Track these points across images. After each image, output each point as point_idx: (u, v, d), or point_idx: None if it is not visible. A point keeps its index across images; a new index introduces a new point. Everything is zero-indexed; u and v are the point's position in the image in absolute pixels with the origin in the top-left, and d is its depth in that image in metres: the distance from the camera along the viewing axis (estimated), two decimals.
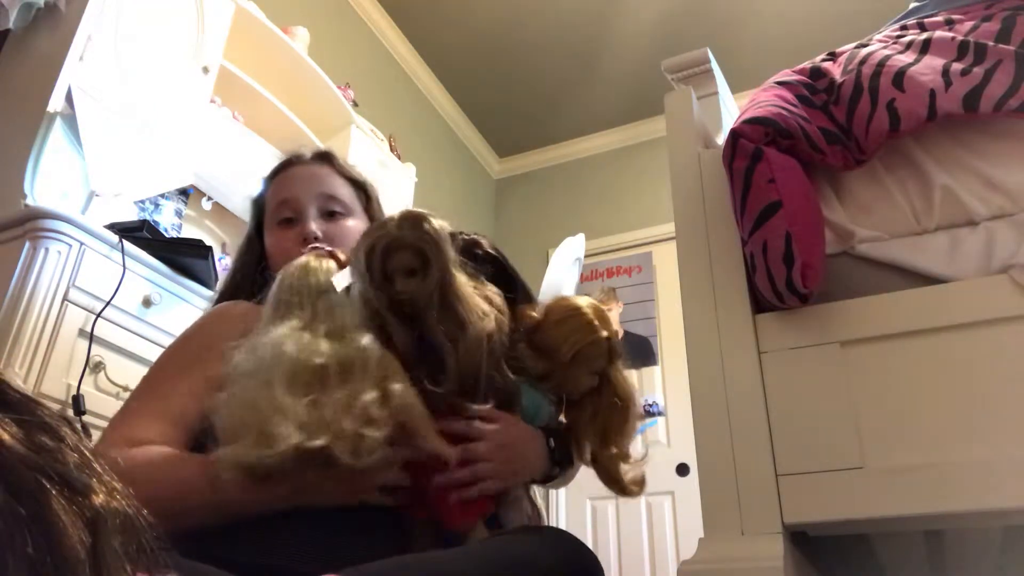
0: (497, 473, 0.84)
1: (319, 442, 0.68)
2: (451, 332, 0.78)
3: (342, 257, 0.86)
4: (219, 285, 1.14)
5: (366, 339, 0.76)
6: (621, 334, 4.19)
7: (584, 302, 0.93)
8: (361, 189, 1.10)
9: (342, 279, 0.82)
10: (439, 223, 0.81)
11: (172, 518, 0.60)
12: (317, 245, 0.96)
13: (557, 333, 0.90)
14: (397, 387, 0.74)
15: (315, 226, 1.01)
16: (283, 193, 1.05)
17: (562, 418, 0.98)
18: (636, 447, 0.94)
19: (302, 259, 0.83)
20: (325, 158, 1.10)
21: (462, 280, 0.81)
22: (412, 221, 0.79)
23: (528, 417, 0.91)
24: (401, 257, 0.79)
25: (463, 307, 0.79)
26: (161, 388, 0.86)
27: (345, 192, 1.07)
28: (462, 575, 0.68)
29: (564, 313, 0.91)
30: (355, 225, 1.05)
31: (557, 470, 0.95)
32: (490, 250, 0.99)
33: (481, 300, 0.82)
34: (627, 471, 0.93)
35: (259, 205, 1.10)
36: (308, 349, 0.73)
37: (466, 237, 1.03)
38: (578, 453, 0.95)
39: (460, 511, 0.82)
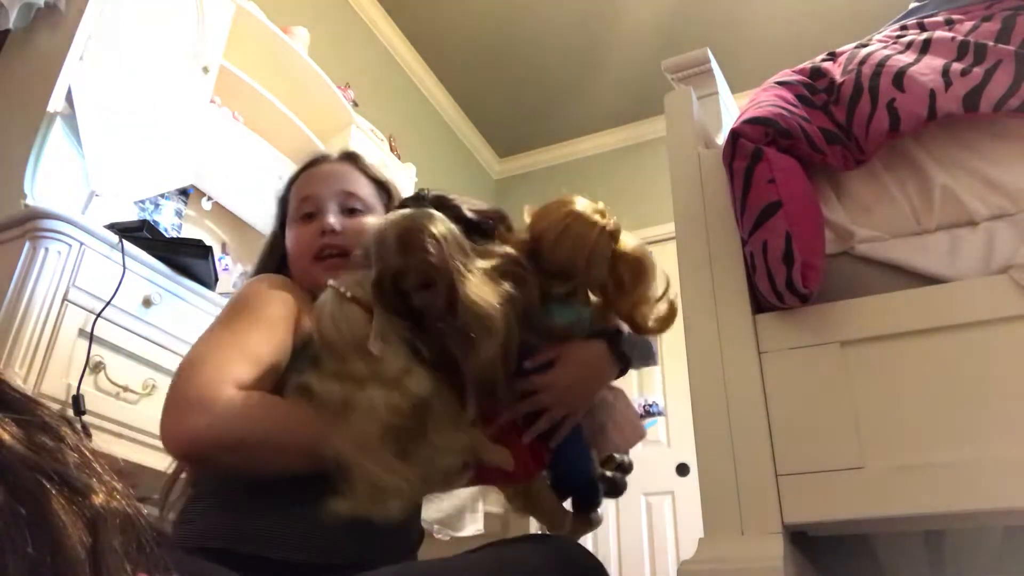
0: (569, 409, 0.91)
1: (421, 495, 0.75)
2: (463, 348, 0.79)
3: (352, 280, 0.86)
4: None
5: (415, 381, 0.78)
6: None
7: (565, 205, 0.93)
8: (384, 188, 1.13)
9: None
10: (434, 229, 0.80)
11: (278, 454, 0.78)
12: (332, 283, 0.93)
13: (563, 251, 0.90)
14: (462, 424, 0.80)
15: (334, 220, 1.03)
16: (305, 190, 1.07)
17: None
18: (655, 287, 0.97)
19: (326, 309, 0.83)
20: (350, 157, 1.13)
21: (469, 287, 0.80)
22: (409, 244, 0.80)
23: (575, 332, 0.94)
24: (410, 281, 0.80)
25: (469, 322, 0.78)
26: (237, 336, 0.88)
27: (367, 191, 1.09)
28: None
29: (558, 228, 0.91)
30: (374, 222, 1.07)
31: (627, 366, 1.00)
32: (457, 203, 0.99)
33: (496, 305, 0.81)
34: (646, 312, 0.96)
35: (283, 204, 1.12)
36: (395, 409, 0.76)
37: (433, 195, 1.03)
38: (614, 323, 0.99)
39: (528, 457, 0.87)
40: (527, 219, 0.96)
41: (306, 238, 1.04)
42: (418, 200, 0.99)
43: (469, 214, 0.94)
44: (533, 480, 0.91)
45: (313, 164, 1.12)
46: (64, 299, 1.47)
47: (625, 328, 1.00)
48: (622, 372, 1.00)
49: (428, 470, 0.76)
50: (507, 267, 0.86)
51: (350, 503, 0.72)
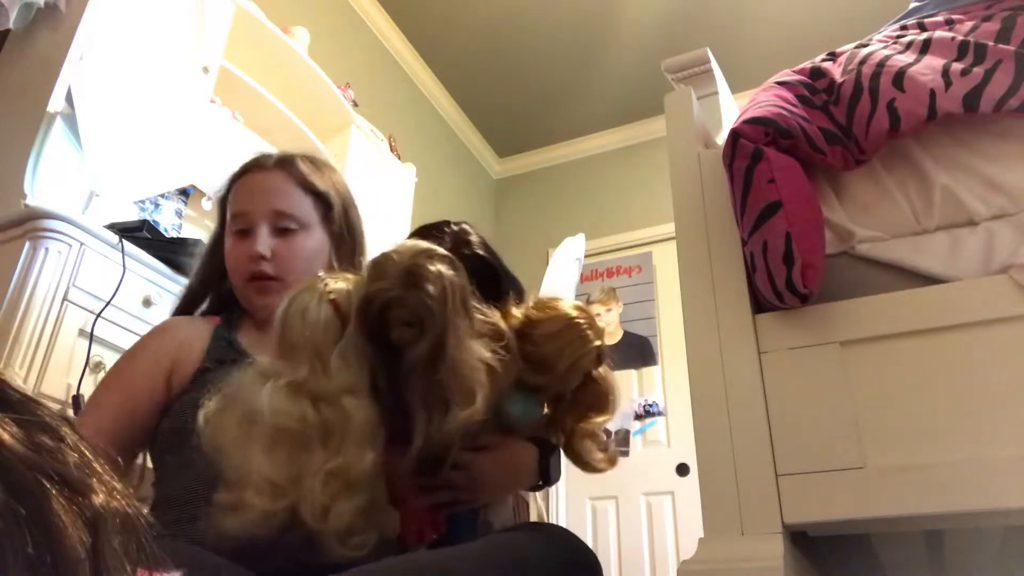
0: (476, 498, 0.87)
1: (283, 503, 0.68)
2: (433, 406, 0.75)
3: (338, 291, 0.82)
4: (180, 295, 1.17)
5: (353, 403, 0.74)
6: (621, 334, 4.13)
7: (572, 309, 0.92)
8: (321, 199, 1.08)
9: None
10: (440, 273, 0.76)
11: None
12: (321, 274, 0.93)
13: (552, 348, 0.89)
14: (368, 457, 0.73)
15: (264, 246, 1.02)
16: (238, 205, 1.06)
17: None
18: (607, 440, 0.96)
19: (301, 300, 0.80)
20: (284, 165, 1.07)
21: (461, 346, 0.76)
22: (414, 278, 0.75)
23: (520, 427, 0.92)
24: (399, 312, 0.76)
25: (453, 384, 0.74)
26: (97, 396, 0.97)
27: (301, 205, 1.06)
28: (459, 573, 0.68)
29: (556, 325, 0.89)
30: (307, 242, 1.05)
31: (545, 484, 0.97)
32: (479, 250, 0.98)
33: (479, 376, 0.77)
34: (592, 448, 0.93)
35: (222, 206, 1.11)
36: (289, 413, 0.72)
37: (455, 229, 1.01)
38: (555, 436, 0.97)
39: (425, 523, 0.83)
40: (534, 304, 0.94)
41: (239, 259, 1.04)
42: (439, 231, 0.97)
43: (485, 259, 0.92)
44: (422, 545, 0.84)
45: (248, 171, 1.09)
46: (64, 299, 1.47)
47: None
48: (536, 488, 0.98)
49: (307, 487, 0.69)
50: (496, 340, 0.82)
51: (214, 519, 0.68)
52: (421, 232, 1.03)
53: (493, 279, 0.95)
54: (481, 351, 0.78)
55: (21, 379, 1.37)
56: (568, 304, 0.93)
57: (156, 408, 0.96)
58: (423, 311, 0.74)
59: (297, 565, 0.74)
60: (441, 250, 0.79)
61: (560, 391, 0.93)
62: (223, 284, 1.10)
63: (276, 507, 0.68)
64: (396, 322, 0.76)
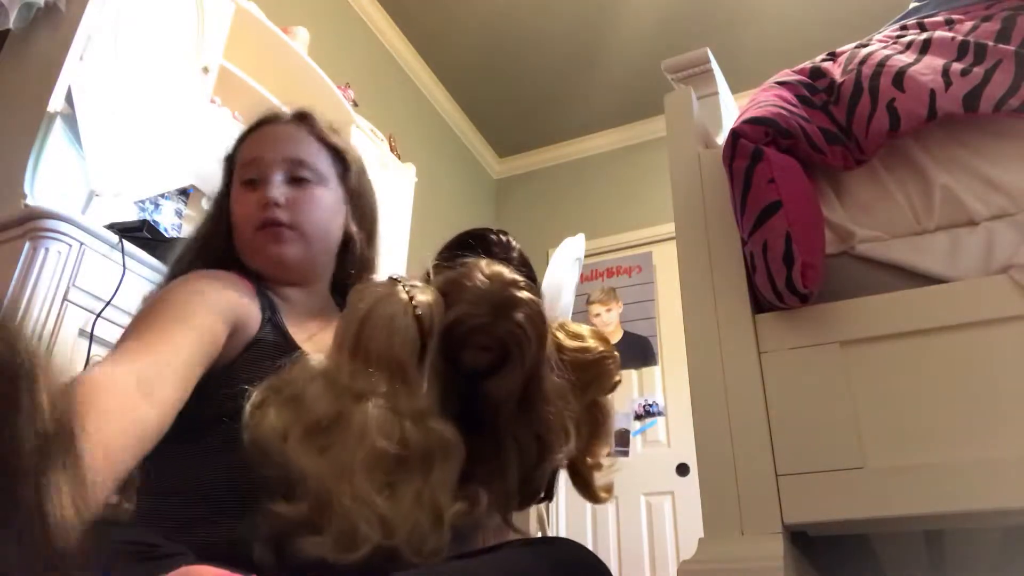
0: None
1: (393, 542, 0.64)
2: (523, 443, 0.72)
3: (421, 305, 0.76)
4: (177, 251, 1.01)
5: (443, 426, 0.70)
6: (621, 334, 4.12)
7: (599, 342, 0.89)
8: (339, 156, 1.01)
9: None
10: (534, 303, 0.72)
11: None
12: (398, 278, 0.83)
13: (579, 378, 0.85)
14: (483, 497, 0.70)
15: (278, 192, 0.93)
16: (251, 152, 0.97)
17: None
18: (608, 458, 0.94)
19: (386, 309, 0.73)
20: (303, 119, 1.00)
21: (551, 380, 0.73)
22: (507, 309, 0.71)
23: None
24: (481, 338, 0.72)
25: (550, 421, 0.72)
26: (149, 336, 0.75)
27: (319, 158, 0.98)
28: None
29: (585, 356, 0.86)
30: (324, 195, 0.97)
31: (544, 498, 0.96)
32: (521, 267, 0.96)
33: (569, 417, 0.74)
34: (598, 478, 0.91)
35: (230, 164, 1.02)
36: (394, 436, 0.67)
37: (502, 240, 0.99)
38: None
39: None
40: (557, 328, 0.90)
41: (248, 208, 0.94)
42: (485, 240, 0.94)
43: (530, 276, 0.90)
44: None
45: (263, 124, 1.01)
46: (64, 299, 1.47)
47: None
48: (538, 501, 0.97)
49: (413, 521, 0.65)
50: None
51: (317, 545, 0.62)
52: (465, 238, 0.99)
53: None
54: (562, 384, 0.76)
55: None
56: (589, 332, 0.91)
57: (203, 371, 0.77)
58: (512, 341, 0.71)
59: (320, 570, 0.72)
60: (522, 279, 0.75)
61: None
62: (227, 247, 0.98)
63: (389, 543, 0.63)
64: (473, 345, 0.73)
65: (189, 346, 0.74)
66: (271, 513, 0.63)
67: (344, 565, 0.61)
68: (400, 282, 0.76)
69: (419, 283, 0.77)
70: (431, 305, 0.75)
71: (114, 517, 0.70)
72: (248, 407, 0.68)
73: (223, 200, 1.00)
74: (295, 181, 0.95)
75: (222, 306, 0.82)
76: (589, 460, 0.89)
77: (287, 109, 1.04)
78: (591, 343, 0.88)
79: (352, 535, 0.62)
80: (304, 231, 0.94)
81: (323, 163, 0.98)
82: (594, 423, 0.89)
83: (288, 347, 0.86)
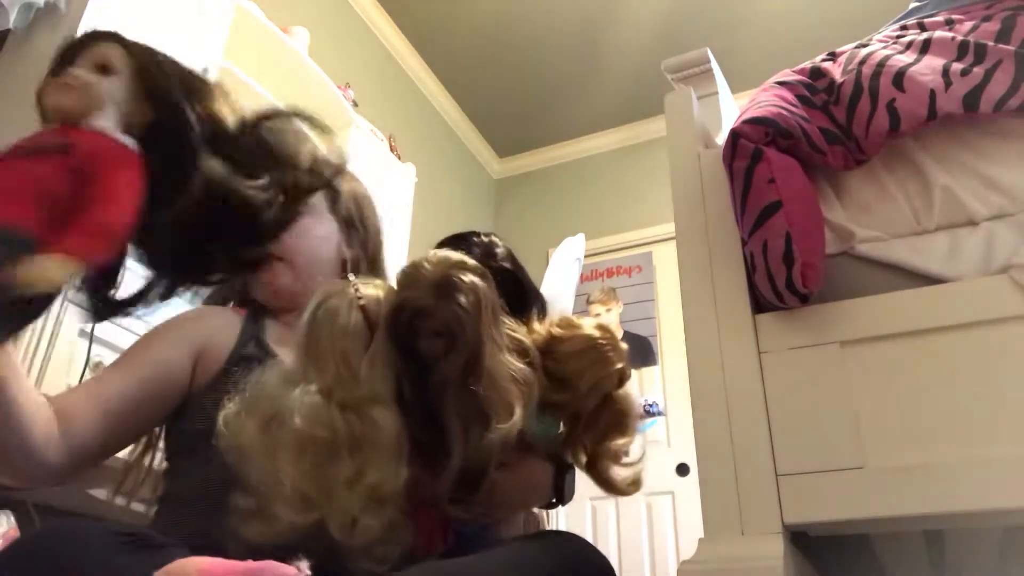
0: (489, 515, 0.85)
1: (312, 516, 0.67)
2: (470, 420, 0.74)
3: (368, 298, 0.80)
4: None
5: (381, 414, 0.73)
6: (621, 334, 4.16)
7: (595, 330, 0.90)
8: (327, 186, 1.04)
9: None
10: (474, 284, 0.75)
11: None
12: (351, 278, 0.90)
13: (575, 366, 0.87)
14: (400, 473, 0.72)
15: None
16: None
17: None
18: (634, 448, 0.93)
19: (331, 304, 0.78)
20: None
21: (498, 358, 0.75)
22: (447, 288, 0.74)
23: (540, 444, 0.91)
24: (428, 322, 0.75)
25: (492, 397, 0.74)
26: (104, 374, 0.91)
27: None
28: None
29: (579, 344, 0.88)
30: (313, 225, 1.03)
31: (558, 503, 0.96)
32: (505, 263, 0.97)
33: (514, 388, 0.76)
34: (619, 471, 0.91)
35: None
36: (320, 421, 0.70)
37: (484, 240, 1.00)
38: (574, 458, 0.95)
39: (438, 534, 0.82)
40: (557, 321, 0.92)
41: None
42: (466, 242, 0.96)
43: (512, 273, 0.90)
44: (429, 556, 0.82)
45: None
46: (64, 299, 1.46)
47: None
48: (550, 506, 0.97)
49: (337, 500, 0.68)
50: (522, 356, 0.81)
51: (244, 527, 0.66)
52: (448, 242, 1.00)
53: (519, 294, 0.93)
54: (516, 364, 0.78)
55: None
56: (591, 323, 0.91)
57: (175, 398, 0.91)
58: (455, 322, 0.73)
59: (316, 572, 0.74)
60: (473, 262, 0.77)
61: (579, 410, 0.91)
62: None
63: (305, 520, 0.67)
64: (425, 332, 0.75)
65: (124, 380, 0.88)
66: (233, 507, 0.68)
67: (288, 546, 0.65)
68: (352, 283, 0.80)
69: (371, 281, 0.81)
70: (378, 299, 0.78)
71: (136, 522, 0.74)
72: (222, 415, 0.73)
73: None
74: None
75: (186, 339, 0.95)
76: (605, 452, 0.90)
77: None
78: (586, 330, 0.89)
79: (273, 514, 0.66)
80: (294, 262, 1.00)
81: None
82: (608, 420, 0.90)
83: (270, 359, 0.93)
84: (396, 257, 2.92)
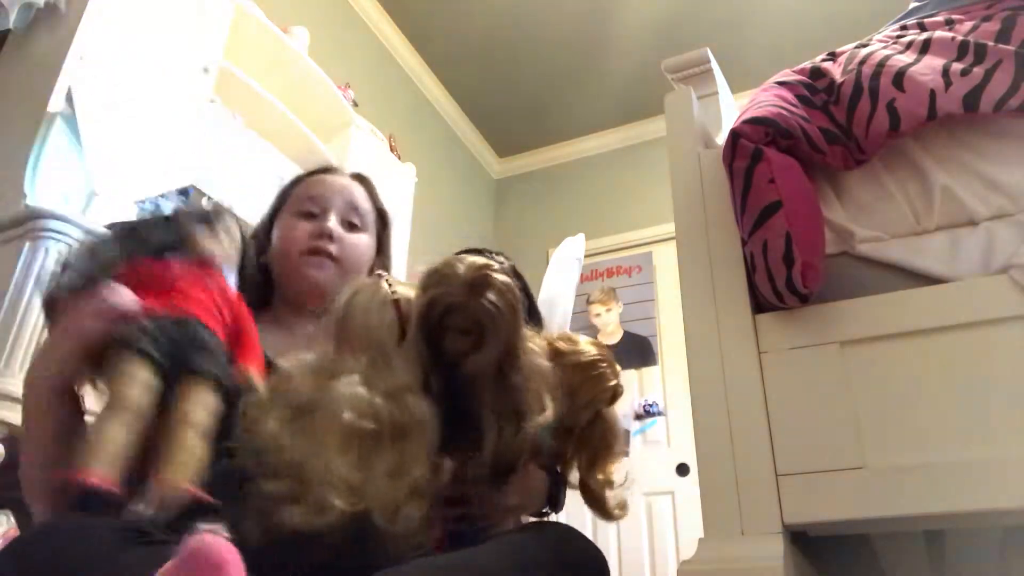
0: (488, 519, 0.86)
1: (360, 507, 0.68)
2: (503, 415, 0.75)
3: (400, 294, 0.83)
4: None
5: (417, 403, 0.74)
6: (621, 334, 4.12)
7: (594, 347, 0.92)
8: (382, 218, 1.18)
9: None
10: (507, 284, 0.77)
11: None
12: (383, 274, 0.95)
13: (576, 379, 0.88)
14: (445, 465, 0.74)
15: (335, 226, 1.07)
16: (315, 190, 1.11)
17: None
18: (619, 474, 0.94)
19: (365, 297, 0.81)
20: (362, 179, 1.18)
21: (529, 356, 0.78)
22: (479, 285, 0.76)
23: (540, 448, 0.91)
24: (458, 319, 0.77)
25: (526, 392, 0.76)
26: None
27: (369, 210, 1.14)
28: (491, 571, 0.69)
29: (580, 359, 0.90)
30: (366, 242, 1.12)
31: (552, 511, 0.98)
32: (517, 279, 0.98)
33: (545, 385, 0.78)
34: (611, 496, 0.92)
35: (283, 195, 1.14)
36: (366, 413, 0.72)
37: (497, 257, 1.02)
38: (566, 475, 0.96)
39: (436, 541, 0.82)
40: (558, 336, 0.94)
41: (302, 233, 1.07)
42: (483, 255, 0.98)
43: (524, 288, 0.92)
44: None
45: (328, 171, 1.17)
46: None
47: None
48: (543, 515, 0.98)
49: (383, 490, 0.69)
50: (544, 357, 0.83)
51: (292, 514, 0.66)
52: (467, 253, 1.03)
53: (529, 306, 0.95)
54: (544, 362, 0.80)
55: (21, 379, 1.37)
56: (587, 340, 0.94)
57: None
58: (487, 319, 0.75)
59: (335, 561, 0.75)
60: (505, 265, 0.81)
61: (571, 424, 0.92)
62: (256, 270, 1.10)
63: (354, 508, 0.68)
64: (452, 330, 0.77)
65: None
66: (258, 491, 0.68)
67: (320, 532, 0.66)
68: (383, 277, 0.83)
69: (401, 281, 0.84)
70: (409, 297, 0.81)
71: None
72: (245, 403, 0.74)
73: (264, 229, 1.13)
74: (348, 224, 1.10)
75: None
76: (599, 476, 0.90)
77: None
78: (586, 346, 0.91)
79: (322, 502, 0.66)
80: (344, 266, 1.07)
81: (370, 217, 1.15)
82: (600, 438, 0.90)
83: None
84: (396, 258, 2.92)
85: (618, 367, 0.93)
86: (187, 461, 0.69)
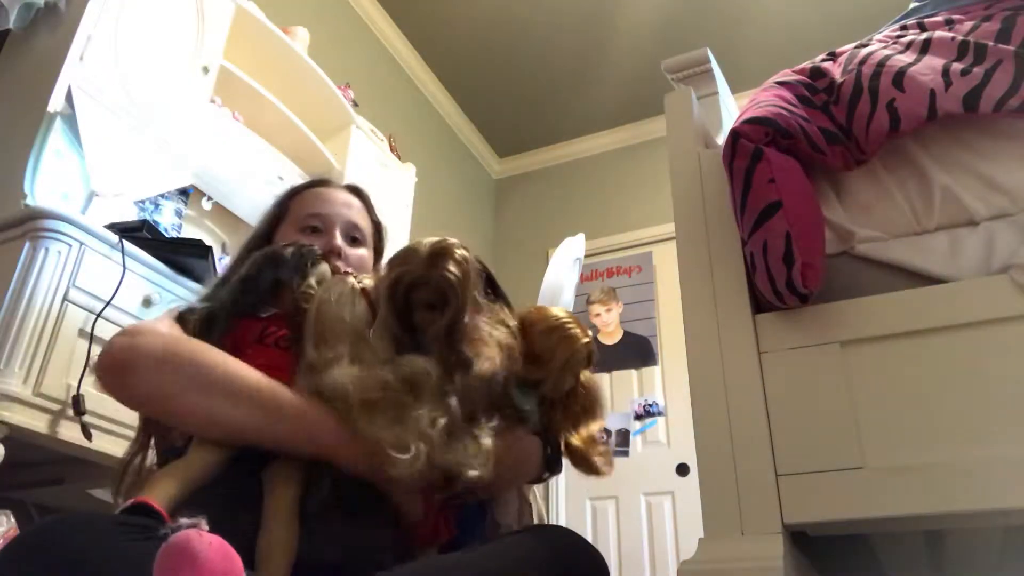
0: (486, 492, 0.88)
1: (423, 456, 0.74)
2: (451, 369, 0.81)
3: (367, 284, 0.90)
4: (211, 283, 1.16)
5: (416, 358, 0.80)
6: (621, 334, 4.15)
7: (560, 312, 0.97)
8: (377, 230, 1.21)
9: None
10: (464, 255, 0.83)
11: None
12: (348, 270, 1.03)
13: (547, 343, 0.93)
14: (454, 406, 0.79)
15: (341, 243, 1.11)
16: (317, 207, 1.13)
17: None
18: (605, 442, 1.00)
19: (335, 292, 0.87)
20: (358, 192, 1.21)
21: (477, 320, 0.84)
22: (438, 258, 0.82)
23: (524, 416, 0.93)
24: (423, 293, 0.83)
25: (469, 348, 0.81)
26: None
27: (366, 225, 1.18)
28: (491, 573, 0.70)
29: (549, 323, 0.95)
30: (367, 255, 1.16)
31: (547, 474, 0.99)
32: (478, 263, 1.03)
33: (492, 342, 0.85)
34: (596, 453, 0.97)
35: (281, 208, 1.16)
36: (368, 386, 0.78)
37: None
38: (555, 439, 0.99)
39: (440, 523, 0.85)
40: (542, 308, 0.99)
41: None
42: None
43: (487, 268, 0.97)
44: (432, 547, 0.85)
45: (326, 184, 1.19)
46: (64, 299, 1.47)
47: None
48: (540, 479, 1.00)
49: (428, 432, 0.76)
50: (504, 326, 0.89)
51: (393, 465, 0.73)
52: None
53: (492, 284, 0.97)
54: (491, 327, 0.86)
55: (21, 379, 1.37)
56: (558, 309, 0.99)
57: None
58: (447, 288, 0.81)
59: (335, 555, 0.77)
60: (459, 243, 0.86)
61: (554, 391, 0.95)
62: None
63: (425, 460, 0.74)
64: (420, 305, 0.83)
65: None
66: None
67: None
68: (349, 273, 0.91)
69: (365, 275, 0.92)
70: (376, 286, 0.88)
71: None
72: None
73: (261, 243, 1.14)
74: (349, 239, 1.13)
75: None
76: (584, 436, 0.96)
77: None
78: (552, 312, 0.97)
79: (404, 445, 0.74)
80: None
81: (369, 232, 1.18)
82: (582, 401, 0.96)
83: None
84: None
85: (586, 328, 0.98)
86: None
